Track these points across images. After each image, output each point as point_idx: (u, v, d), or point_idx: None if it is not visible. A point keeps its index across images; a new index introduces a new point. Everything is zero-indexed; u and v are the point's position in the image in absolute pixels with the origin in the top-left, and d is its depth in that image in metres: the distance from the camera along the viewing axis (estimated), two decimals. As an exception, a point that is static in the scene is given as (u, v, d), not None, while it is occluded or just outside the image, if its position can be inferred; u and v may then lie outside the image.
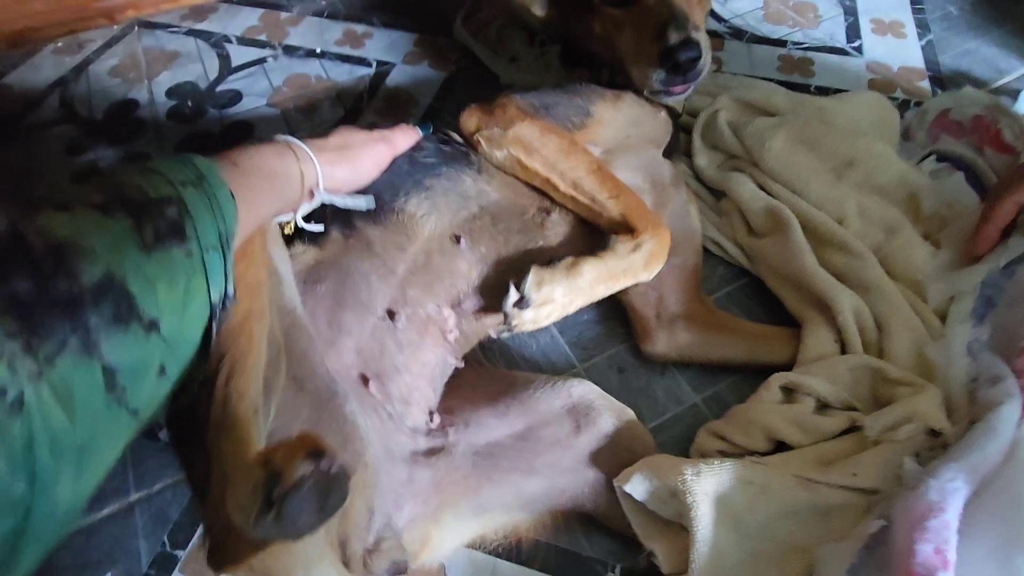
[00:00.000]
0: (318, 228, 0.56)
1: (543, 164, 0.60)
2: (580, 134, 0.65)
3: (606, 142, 0.68)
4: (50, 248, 0.32)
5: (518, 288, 0.53)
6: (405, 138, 0.61)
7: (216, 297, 0.40)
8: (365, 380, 0.55)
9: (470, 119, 0.64)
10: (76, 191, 0.36)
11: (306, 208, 0.52)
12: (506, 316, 0.53)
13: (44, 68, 1.08)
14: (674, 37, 0.62)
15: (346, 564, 0.48)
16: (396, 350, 0.56)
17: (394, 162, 0.61)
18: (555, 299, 0.54)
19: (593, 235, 0.62)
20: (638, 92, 0.71)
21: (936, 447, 0.49)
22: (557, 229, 0.62)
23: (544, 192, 0.63)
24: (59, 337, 0.31)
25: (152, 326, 0.35)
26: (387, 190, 0.60)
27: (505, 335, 0.58)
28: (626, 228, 0.58)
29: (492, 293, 0.59)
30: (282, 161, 0.48)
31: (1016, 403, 0.46)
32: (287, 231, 0.54)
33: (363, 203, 0.57)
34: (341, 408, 0.51)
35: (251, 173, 0.45)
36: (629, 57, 0.67)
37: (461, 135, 0.65)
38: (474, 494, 0.56)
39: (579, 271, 0.54)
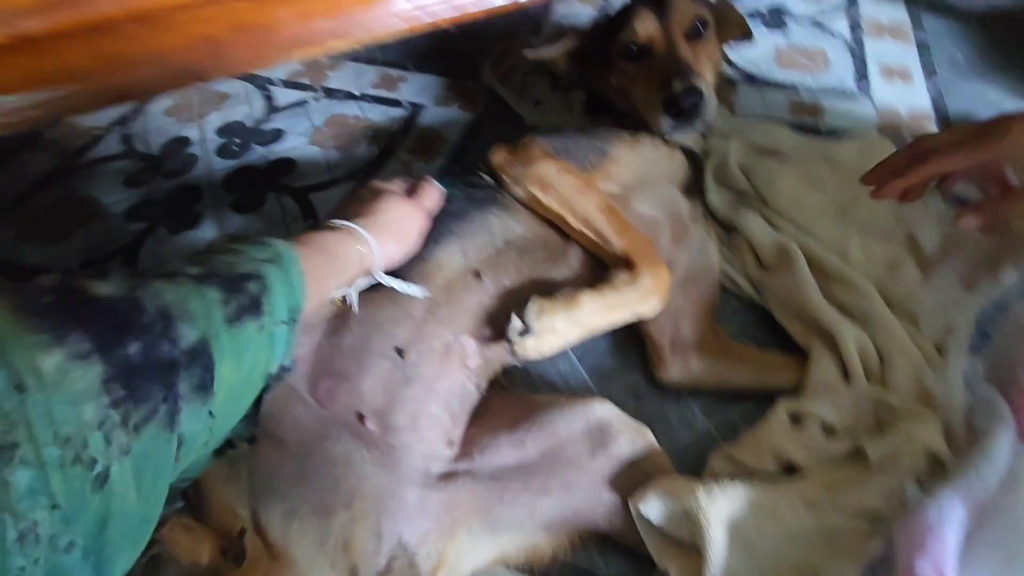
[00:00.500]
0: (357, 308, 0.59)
1: (557, 200, 0.65)
2: (597, 172, 0.70)
3: (623, 179, 0.73)
4: (159, 311, 0.33)
5: (521, 317, 0.57)
6: (434, 201, 0.64)
7: (275, 368, 0.42)
8: (361, 417, 0.58)
9: (497, 156, 0.70)
10: (175, 264, 0.38)
11: (362, 284, 0.55)
12: (510, 343, 0.57)
13: (107, 107, 1.18)
14: (677, 86, 0.68)
15: None
16: (402, 384, 0.59)
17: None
18: (556, 328, 0.57)
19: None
20: (655, 133, 0.77)
21: (936, 472, 0.52)
22: (579, 257, 0.66)
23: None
24: (151, 404, 0.31)
25: (212, 399, 0.36)
26: None
27: (511, 362, 0.61)
28: (627, 264, 0.62)
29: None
30: (343, 244, 0.51)
31: (1010, 431, 0.48)
32: (338, 304, 0.57)
33: (419, 292, 0.59)
34: (330, 452, 0.54)
35: (317, 254, 0.48)
36: (641, 105, 0.73)
37: (489, 170, 0.70)
38: (486, 513, 0.58)
39: (578, 302, 0.58)
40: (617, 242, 0.63)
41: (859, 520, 0.52)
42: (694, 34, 0.74)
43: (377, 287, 0.59)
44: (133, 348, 0.31)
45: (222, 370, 0.36)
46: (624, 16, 0.76)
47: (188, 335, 0.34)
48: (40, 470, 0.27)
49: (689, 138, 0.80)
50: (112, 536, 0.30)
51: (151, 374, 0.32)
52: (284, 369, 0.44)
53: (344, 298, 0.56)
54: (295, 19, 0.46)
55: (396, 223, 0.57)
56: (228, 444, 0.43)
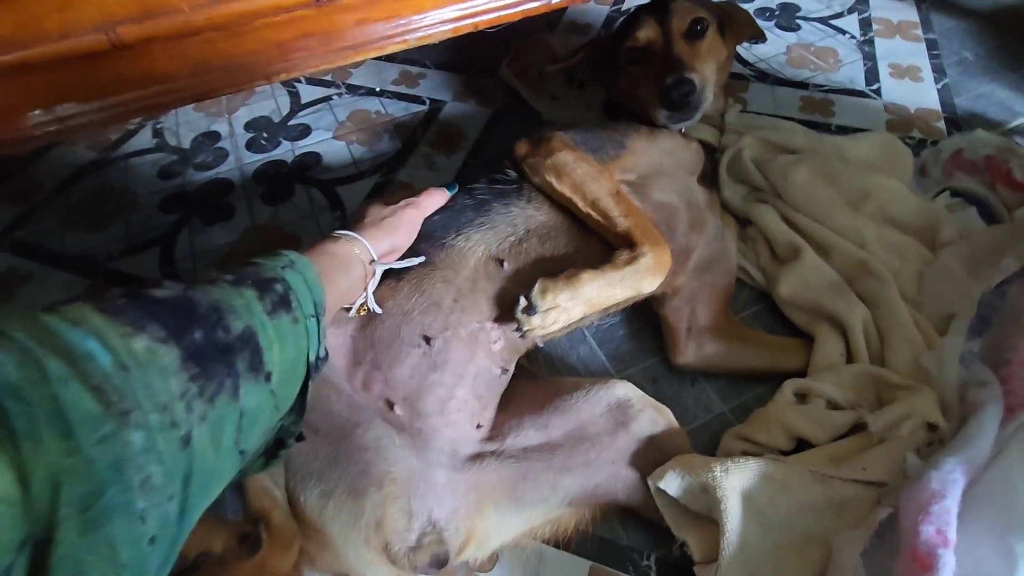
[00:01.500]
0: (380, 309, 0.63)
1: (570, 186, 0.68)
2: (615, 163, 0.74)
3: (641, 169, 0.76)
4: (211, 306, 0.39)
5: (527, 297, 0.60)
6: (433, 199, 0.69)
7: (313, 358, 0.47)
8: (390, 404, 0.61)
9: (520, 148, 0.74)
10: (212, 274, 0.43)
11: (372, 285, 0.60)
12: (518, 322, 0.61)
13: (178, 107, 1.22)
14: (668, 79, 0.72)
15: (393, 563, 0.56)
16: (430, 370, 0.62)
17: (454, 203, 0.70)
18: (559, 305, 0.61)
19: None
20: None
21: (934, 442, 0.55)
22: (597, 241, 0.69)
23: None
24: (219, 379, 0.36)
25: (268, 378, 0.41)
26: (440, 229, 0.68)
27: (534, 343, 0.64)
28: (630, 243, 0.65)
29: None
30: (340, 246, 0.56)
31: (999, 404, 0.52)
32: (362, 312, 0.62)
33: (415, 261, 0.65)
34: (362, 438, 0.57)
35: (322, 259, 0.53)
36: (645, 102, 0.77)
37: (512, 161, 0.74)
38: (511, 490, 0.62)
39: (579, 280, 0.61)
40: (621, 223, 0.66)
41: (865, 490, 0.55)
42: (693, 34, 0.78)
43: (402, 278, 0.64)
44: (198, 334, 0.36)
45: (272, 354, 0.41)
46: (629, 23, 0.82)
47: (236, 324, 0.39)
48: (148, 432, 0.32)
49: (707, 132, 0.83)
50: (194, 489, 0.35)
51: (215, 355, 0.37)
52: (320, 359, 0.48)
53: (367, 307, 0.61)
54: (355, 26, 0.50)
55: (386, 223, 0.62)
56: (279, 444, 0.47)
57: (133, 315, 0.34)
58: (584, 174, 0.68)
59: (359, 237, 0.58)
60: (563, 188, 0.69)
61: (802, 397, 0.68)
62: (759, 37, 0.93)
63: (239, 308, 0.40)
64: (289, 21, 0.46)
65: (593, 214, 0.67)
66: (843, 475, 0.56)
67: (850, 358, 0.70)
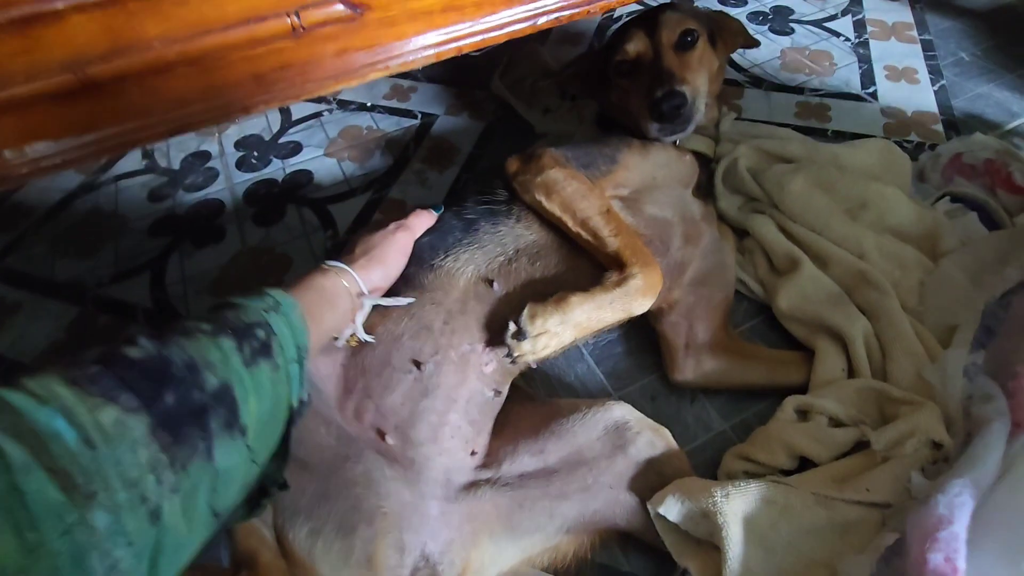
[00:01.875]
0: (371, 339, 0.62)
1: (559, 205, 0.67)
2: (607, 179, 0.73)
3: (633, 184, 0.75)
4: (186, 364, 0.38)
5: (516, 323, 0.59)
6: (421, 221, 0.68)
7: (295, 402, 0.46)
8: (382, 434, 0.60)
9: (511, 165, 0.73)
10: (189, 324, 0.42)
11: (361, 317, 0.59)
12: (508, 347, 0.59)
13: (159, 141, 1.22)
14: (658, 92, 0.71)
15: None
16: (421, 396, 0.61)
17: (442, 223, 0.69)
18: (549, 330, 0.59)
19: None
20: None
21: (939, 460, 0.54)
22: (589, 260, 0.68)
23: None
24: (191, 443, 0.35)
25: (244, 431, 0.39)
26: (428, 250, 0.67)
27: (510, 364, 0.63)
28: (619, 264, 0.64)
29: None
30: (329, 279, 0.55)
31: (1006, 419, 0.51)
32: (352, 343, 0.61)
33: (404, 302, 0.63)
34: (351, 472, 0.56)
35: (308, 295, 0.53)
36: (636, 115, 0.76)
37: (503, 178, 0.73)
38: (507, 519, 0.60)
39: (568, 304, 0.60)
40: (611, 243, 0.65)
41: (869, 512, 0.54)
42: (683, 46, 0.77)
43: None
44: (170, 398, 0.35)
45: (249, 407, 0.40)
46: (619, 36, 0.81)
47: (211, 381, 0.38)
48: (115, 513, 0.31)
49: (701, 143, 0.82)
50: (164, 565, 0.33)
51: (188, 419, 0.36)
52: (303, 403, 0.47)
53: (356, 338, 0.59)
54: (335, 55, 0.49)
55: (371, 248, 0.62)
56: (262, 492, 0.46)
57: (105, 385, 0.34)
58: (574, 192, 0.67)
59: (349, 269, 0.57)
60: (552, 207, 0.68)
61: (804, 414, 0.66)
62: (751, 45, 0.92)
63: (215, 362, 0.39)
64: (267, 53, 0.45)
65: (583, 233, 0.66)
66: (847, 497, 0.54)
67: (851, 371, 0.69)
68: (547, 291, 0.62)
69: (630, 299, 0.62)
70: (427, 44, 0.53)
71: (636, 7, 1.26)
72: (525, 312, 0.60)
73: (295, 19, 0.46)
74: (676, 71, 0.73)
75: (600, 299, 0.61)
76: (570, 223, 0.67)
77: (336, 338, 0.60)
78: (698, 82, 0.75)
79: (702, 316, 0.75)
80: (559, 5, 0.64)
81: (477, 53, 0.58)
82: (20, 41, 0.39)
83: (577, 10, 0.65)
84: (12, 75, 0.37)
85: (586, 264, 0.68)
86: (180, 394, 0.36)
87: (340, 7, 0.48)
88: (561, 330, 0.60)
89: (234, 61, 0.44)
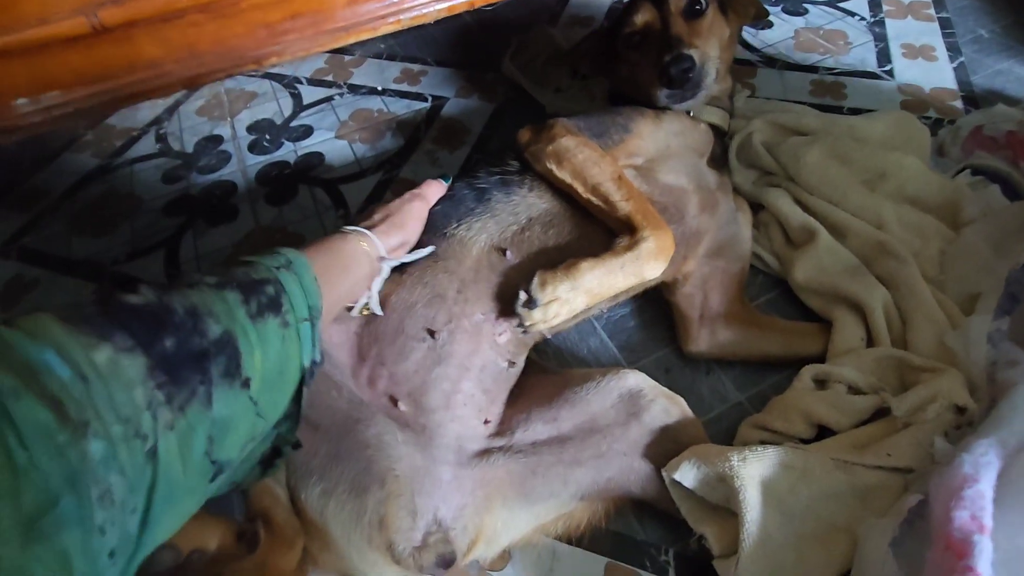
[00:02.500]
0: (381, 312, 0.62)
1: (571, 172, 0.67)
2: (620, 147, 0.72)
3: (647, 152, 0.74)
4: (188, 311, 0.38)
5: (527, 291, 0.59)
6: (433, 190, 0.68)
7: (307, 362, 0.45)
8: (394, 400, 0.60)
9: (523, 135, 0.73)
10: (195, 276, 0.42)
11: (378, 282, 0.59)
12: (519, 316, 0.59)
13: (141, 108, 1.23)
14: (667, 56, 0.70)
15: (398, 563, 0.54)
16: (434, 364, 0.61)
17: (455, 192, 0.69)
18: (560, 297, 0.59)
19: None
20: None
21: (962, 425, 0.52)
22: (601, 227, 0.68)
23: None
24: (191, 387, 0.36)
25: (246, 384, 0.39)
26: (442, 219, 0.67)
27: (523, 335, 0.63)
28: (631, 228, 0.63)
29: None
30: (347, 244, 0.56)
31: (1033, 384, 0.49)
32: (365, 312, 0.61)
33: (424, 252, 0.64)
34: (363, 434, 0.56)
35: (325, 258, 0.52)
36: (646, 86, 0.75)
37: (515, 149, 0.73)
38: (520, 485, 0.60)
39: (579, 270, 0.60)
40: (622, 208, 0.64)
41: (890, 477, 0.52)
42: (692, 13, 0.76)
43: (405, 271, 0.62)
44: (169, 342, 0.36)
45: (254, 360, 0.40)
46: (627, 10, 0.80)
47: (214, 329, 0.38)
48: (109, 443, 0.31)
49: (715, 115, 0.81)
50: (158, 501, 0.34)
51: (187, 362, 0.36)
52: (315, 364, 0.47)
53: (369, 307, 0.59)
54: (347, 5, 0.49)
55: (391, 215, 0.62)
56: (275, 452, 0.46)
57: (99, 323, 0.34)
58: (585, 159, 0.67)
59: (369, 233, 0.57)
60: (563, 174, 0.67)
61: (821, 383, 0.65)
62: (763, 16, 0.91)
63: (219, 312, 0.39)
64: (278, 1, 0.45)
65: (594, 199, 0.66)
66: (867, 462, 0.53)
67: (870, 342, 0.68)
68: (560, 260, 0.62)
69: (642, 263, 0.61)
70: (439, -5, 0.53)
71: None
72: (535, 280, 0.59)
73: (305, -36, 0.46)
74: (684, 37, 0.73)
75: (611, 264, 0.61)
76: (581, 190, 0.66)
77: (350, 308, 0.59)
78: (708, 47, 0.74)
79: (717, 287, 0.74)
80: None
81: (490, 7, 0.57)
82: (33, -19, 0.39)
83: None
84: (26, 17, 0.37)
85: (599, 232, 0.67)
86: (180, 339, 0.36)
87: (351, -46, 0.48)
88: (572, 296, 0.59)
89: (245, 9, 0.44)
